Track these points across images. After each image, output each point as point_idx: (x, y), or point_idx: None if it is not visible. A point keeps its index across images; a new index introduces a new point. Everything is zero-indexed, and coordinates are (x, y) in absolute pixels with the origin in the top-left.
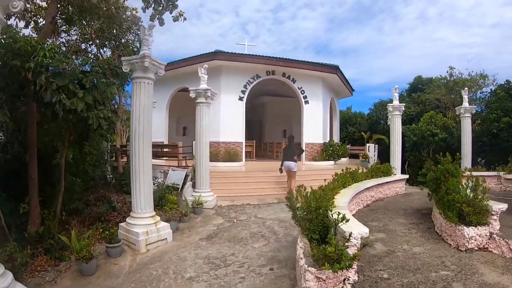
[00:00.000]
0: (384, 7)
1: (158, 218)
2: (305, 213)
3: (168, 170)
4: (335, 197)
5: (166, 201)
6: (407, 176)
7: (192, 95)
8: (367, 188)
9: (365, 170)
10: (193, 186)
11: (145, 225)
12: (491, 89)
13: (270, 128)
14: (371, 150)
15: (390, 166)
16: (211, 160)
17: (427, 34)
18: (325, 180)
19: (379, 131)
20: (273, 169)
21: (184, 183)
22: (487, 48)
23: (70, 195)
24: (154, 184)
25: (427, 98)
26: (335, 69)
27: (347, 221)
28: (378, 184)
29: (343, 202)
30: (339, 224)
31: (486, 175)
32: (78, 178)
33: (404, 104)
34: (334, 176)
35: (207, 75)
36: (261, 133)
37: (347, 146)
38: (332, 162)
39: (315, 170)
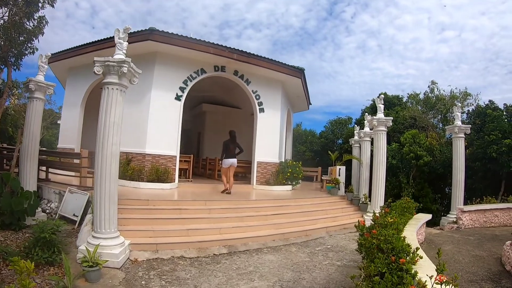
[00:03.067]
0: (328, 35)
1: None
2: None
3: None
4: None
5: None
6: (430, 217)
7: (97, 69)
8: None
9: (337, 201)
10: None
11: None
12: (469, 110)
13: (211, 141)
14: (342, 174)
15: (412, 203)
16: (132, 179)
17: (366, 63)
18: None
19: (335, 151)
20: (217, 196)
21: (84, 214)
22: (420, 80)
23: None
24: (45, 211)
25: (399, 116)
26: (300, 72)
27: None
28: None
29: None
30: None
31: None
32: None
33: (391, 118)
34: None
35: (126, 41)
36: (200, 147)
37: None
38: (289, 187)
39: (272, 200)
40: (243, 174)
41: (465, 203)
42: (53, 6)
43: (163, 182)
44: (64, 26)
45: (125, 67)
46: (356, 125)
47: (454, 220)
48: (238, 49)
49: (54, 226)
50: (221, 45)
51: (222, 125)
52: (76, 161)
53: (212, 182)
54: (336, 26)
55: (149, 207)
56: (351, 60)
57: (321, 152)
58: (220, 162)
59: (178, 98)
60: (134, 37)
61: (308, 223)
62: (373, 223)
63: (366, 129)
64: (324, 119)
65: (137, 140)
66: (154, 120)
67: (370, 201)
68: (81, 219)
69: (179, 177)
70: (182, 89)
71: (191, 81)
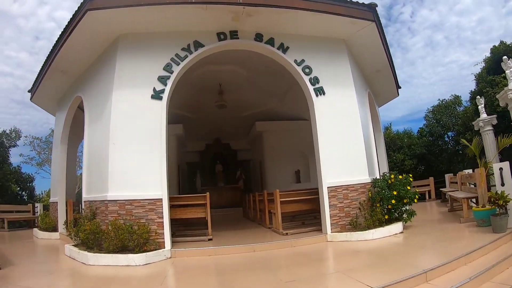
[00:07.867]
0: (392, 41)
1: None
2: None
3: None
4: None
5: None
6: None
7: None
8: None
9: None
10: None
11: None
12: None
13: (274, 170)
14: (509, 180)
15: None
16: (89, 247)
17: (438, 59)
18: None
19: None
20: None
21: None
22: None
23: None
24: None
25: None
26: (370, 11)
27: None
28: None
29: None
30: None
31: None
32: None
33: None
34: None
35: None
36: (263, 181)
37: None
38: (398, 227)
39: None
40: (311, 214)
41: None
42: None
43: (133, 252)
44: None
45: None
46: (478, 97)
47: None
48: None
49: None
50: None
51: (287, 147)
52: None
53: (259, 234)
54: (398, 30)
55: None
56: (423, 60)
57: (427, 156)
58: None
59: (157, 95)
60: (73, 21)
61: None
62: None
63: None
64: (410, 128)
65: (99, 180)
66: (119, 140)
67: None
68: None
69: (198, 235)
70: (163, 80)
71: (178, 64)
